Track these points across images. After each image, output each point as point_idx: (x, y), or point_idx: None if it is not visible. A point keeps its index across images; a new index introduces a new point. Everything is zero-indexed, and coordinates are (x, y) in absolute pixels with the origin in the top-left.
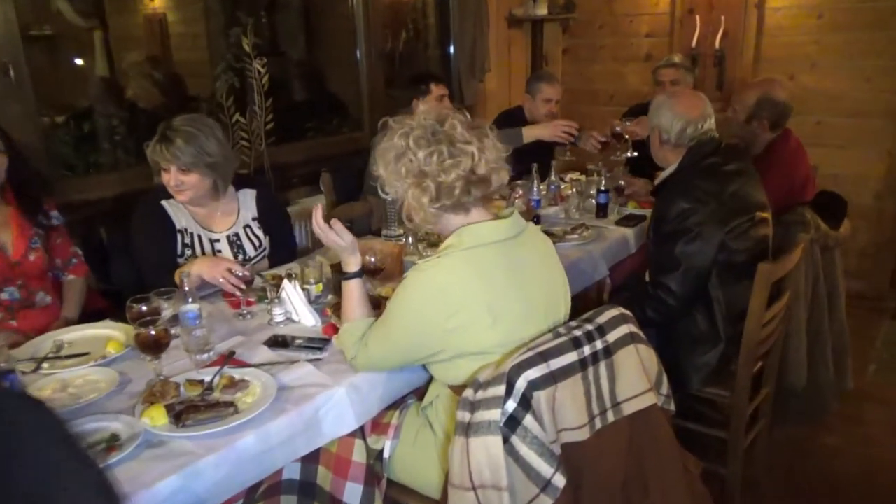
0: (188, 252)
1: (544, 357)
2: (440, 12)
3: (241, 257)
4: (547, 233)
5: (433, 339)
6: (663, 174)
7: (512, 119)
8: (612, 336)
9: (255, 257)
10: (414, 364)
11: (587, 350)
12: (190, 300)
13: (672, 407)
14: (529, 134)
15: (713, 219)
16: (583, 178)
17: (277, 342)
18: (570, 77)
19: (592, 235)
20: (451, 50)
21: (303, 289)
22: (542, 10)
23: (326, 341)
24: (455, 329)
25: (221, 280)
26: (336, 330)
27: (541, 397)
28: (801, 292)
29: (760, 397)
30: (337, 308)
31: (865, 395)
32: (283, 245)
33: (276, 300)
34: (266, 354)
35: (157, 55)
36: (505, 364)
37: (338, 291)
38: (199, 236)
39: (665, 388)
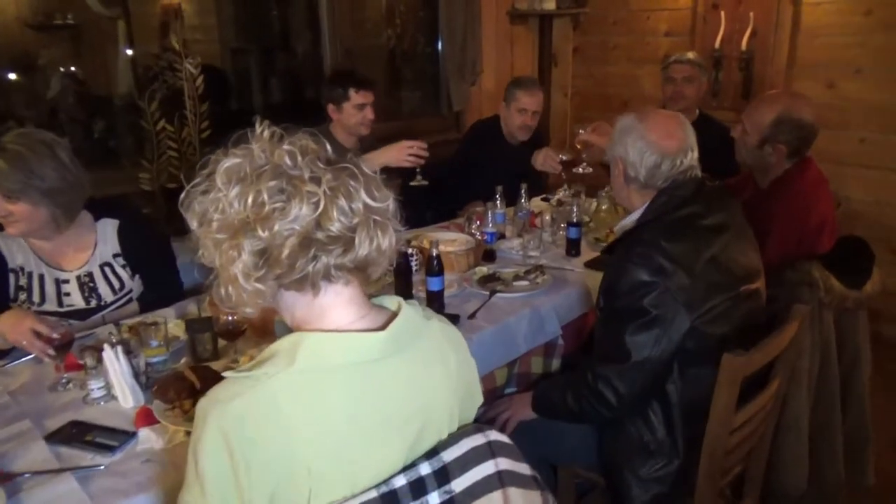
0: (23, 296)
1: None
2: (428, 4)
3: (94, 302)
4: (493, 277)
5: None
6: (622, 223)
7: (486, 131)
8: (461, 482)
9: (114, 302)
10: None
11: None
12: None
13: None
14: (375, 161)
15: (680, 298)
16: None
17: (65, 435)
18: (580, 80)
19: (548, 282)
20: (440, 48)
21: (131, 354)
22: (550, 4)
23: (132, 437)
24: (257, 497)
25: (24, 343)
26: (151, 418)
27: None
28: (802, 373)
29: None
30: (167, 384)
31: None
32: (161, 286)
33: (94, 370)
34: (38, 454)
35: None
36: None
37: (193, 354)
38: (42, 276)
39: None
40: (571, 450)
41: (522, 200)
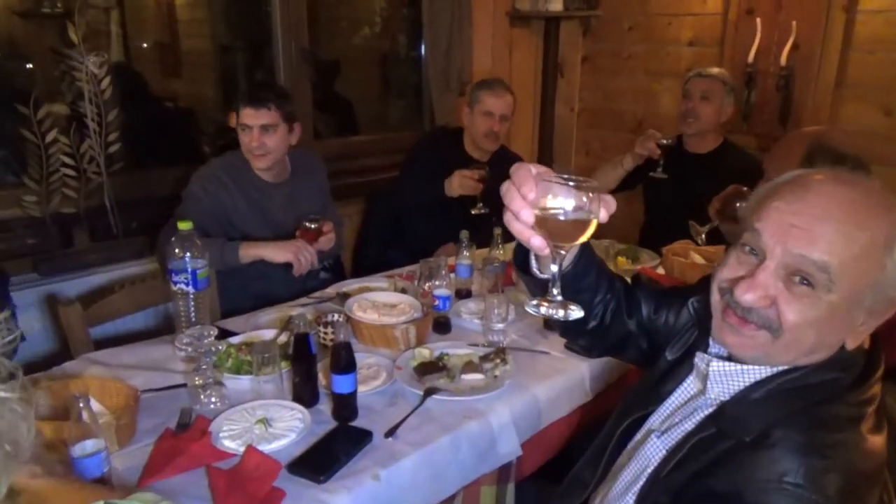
0: None
1: None
2: (412, 2)
3: None
4: (436, 366)
5: None
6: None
7: (439, 143)
8: None
9: None
10: None
11: None
12: None
13: None
14: (259, 253)
15: None
16: None
17: None
18: (588, 93)
19: (509, 374)
20: (423, 52)
21: None
22: (557, 6)
23: None
24: None
25: None
26: None
27: None
28: None
29: None
30: None
31: None
32: None
33: None
34: None
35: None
36: None
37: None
38: None
39: None
40: None
41: (498, 248)
